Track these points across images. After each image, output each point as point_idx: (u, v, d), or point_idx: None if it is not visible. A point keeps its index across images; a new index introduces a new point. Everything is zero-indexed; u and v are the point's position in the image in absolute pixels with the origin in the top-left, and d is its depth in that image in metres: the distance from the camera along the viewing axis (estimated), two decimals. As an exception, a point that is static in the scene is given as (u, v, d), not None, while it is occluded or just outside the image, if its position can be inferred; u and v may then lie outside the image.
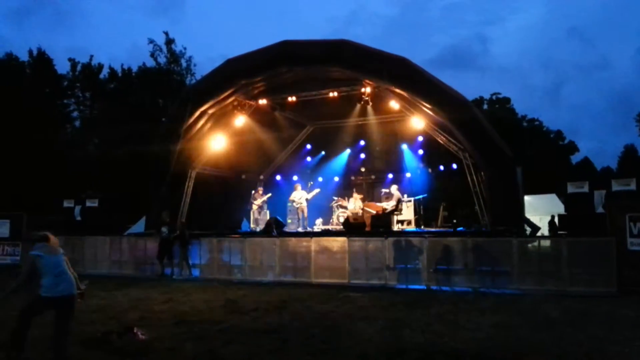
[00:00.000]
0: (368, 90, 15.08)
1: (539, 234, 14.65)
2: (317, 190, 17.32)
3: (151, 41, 39.70)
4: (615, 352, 5.71)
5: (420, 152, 19.38)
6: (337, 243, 11.99)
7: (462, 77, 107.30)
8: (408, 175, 19.46)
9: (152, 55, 39.72)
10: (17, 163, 29.56)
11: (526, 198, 16.81)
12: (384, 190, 17.43)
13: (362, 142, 20.64)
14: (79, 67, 37.67)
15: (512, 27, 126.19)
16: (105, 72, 38.52)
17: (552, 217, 17.60)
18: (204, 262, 13.34)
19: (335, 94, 15.71)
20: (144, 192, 17.93)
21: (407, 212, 16.75)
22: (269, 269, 12.45)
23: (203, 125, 16.58)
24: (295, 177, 21.12)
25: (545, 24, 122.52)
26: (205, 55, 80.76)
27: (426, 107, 14.36)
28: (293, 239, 12.84)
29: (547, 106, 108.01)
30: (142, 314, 8.16)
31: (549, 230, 17.31)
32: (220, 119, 16.87)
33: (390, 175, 19.83)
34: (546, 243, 11.45)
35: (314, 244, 12.11)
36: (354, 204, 17.31)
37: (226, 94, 15.77)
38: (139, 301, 9.41)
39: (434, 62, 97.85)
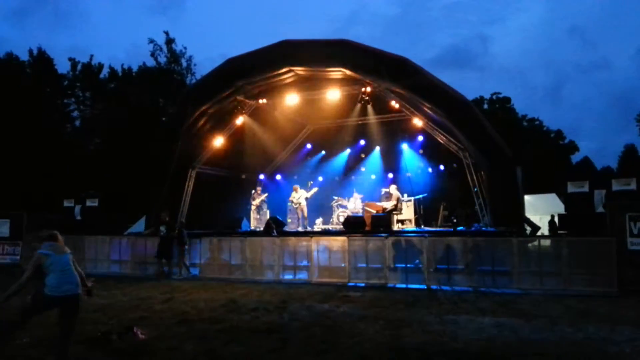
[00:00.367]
0: (368, 89, 15.08)
1: (539, 233, 14.63)
2: (315, 189, 17.32)
3: (151, 41, 39.82)
4: (616, 352, 5.71)
5: (421, 151, 19.38)
6: (337, 242, 11.99)
7: (462, 76, 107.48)
8: (408, 174, 19.45)
9: (152, 54, 39.82)
10: (17, 163, 29.58)
11: (526, 197, 16.80)
12: (384, 189, 17.43)
13: (362, 142, 20.65)
14: (79, 67, 37.73)
15: (512, 26, 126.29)
16: (105, 71, 38.60)
17: (552, 216, 17.59)
18: (204, 262, 13.34)
19: (336, 93, 15.71)
20: (144, 191, 17.94)
21: (407, 211, 16.74)
22: (269, 269, 12.45)
23: (203, 125, 16.59)
24: (295, 177, 21.13)
25: (545, 24, 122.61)
26: (206, 55, 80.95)
27: (426, 106, 14.36)
28: (293, 239, 12.84)
29: (547, 106, 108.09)
30: (142, 313, 8.16)
31: (549, 230, 17.29)
32: (221, 119, 16.88)
33: (390, 175, 19.83)
34: (546, 243, 11.43)
35: (314, 243, 12.11)
36: (354, 204, 17.31)
37: (226, 93, 15.78)
38: (139, 301, 9.41)
39: (435, 61, 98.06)
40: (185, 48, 40.85)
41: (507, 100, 47.12)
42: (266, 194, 18.48)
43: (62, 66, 37.26)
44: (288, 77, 15.73)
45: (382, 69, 13.63)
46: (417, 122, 15.94)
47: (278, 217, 16.10)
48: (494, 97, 47.25)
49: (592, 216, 12.05)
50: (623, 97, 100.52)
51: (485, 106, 45.20)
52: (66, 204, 17.46)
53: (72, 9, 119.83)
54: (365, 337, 6.47)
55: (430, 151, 18.91)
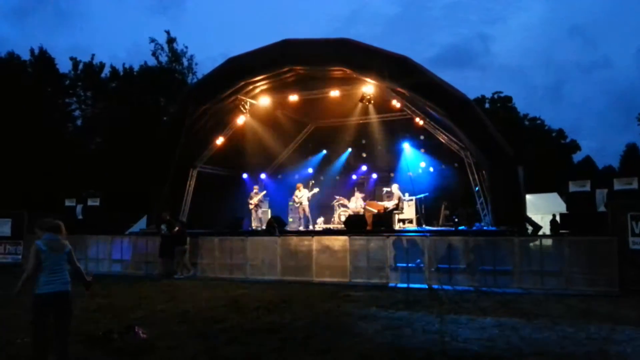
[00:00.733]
0: (369, 89, 15.07)
1: (540, 233, 14.64)
2: (317, 190, 17.32)
3: (152, 40, 39.87)
4: (617, 351, 5.69)
5: (422, 150, 19.36)
6: (339, 242, 11.98)
7: (463, 76, 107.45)
8: (409, 174, 19.43)
9: (153, 54, 39.87)
10: (19, 162, 29.61)
11: (528, 197, 16.78)
12: (385, 189, 17.42)
13: (363, 141, 20.62)
14: (80, 66, 37.76)
15: (513, 26, 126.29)
16: (106, 71, 38.65)
17: (554, 216, 17.59)
18: (205, 261, 13.35)
19: (337, 92, 15.70)
20: (146, 191, 17.95)
21: (409, 211, 16.73)
22: (270, 268, 12.45)
23: (204, 124, 16.60)
24: (296, 176, 21.13)
25: (546, 23, 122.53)
26: (207, 54, 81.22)
27: (428, 105, 14.35)
28: (294, 238, 12.83)
29: (548, 105, 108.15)
30: (144, 312, 8.16)
31: (551, 229, 17.30)
32: (222, 118, 16.89)
33: (392, 174, 19.81)
34: (548, 242, 11.42)
35: (315, 242, 12.10)
36: (355, 203, 17.29)
37: (227, 93, 15.79)
38: (140, 300, 9.42)
39: (436, 61, 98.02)
40: (186, 47, 40.94)
41: (508, 99, 47.12)
42: (264, 192, 18.46)
43: (64, 65, 37.38)
44: (289, 77, 15.73)
45: (383, 68, 13.63)
46: (419, 121, 15.93)
47: (279, 216, 16.10)
48: (495, 96, 47.25)
49: (594, 215, 12.04)
50: (624, 96, 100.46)
51: (487, 105, 45.20)
52: (67, 203, 17.49)
53: (73, 8, 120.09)
54: (366, 336, 6.47)
55: (432, 150, 18.89)
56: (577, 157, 48.54)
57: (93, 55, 38.54)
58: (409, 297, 9.54)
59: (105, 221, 16.29)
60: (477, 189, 15.23)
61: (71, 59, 37.70)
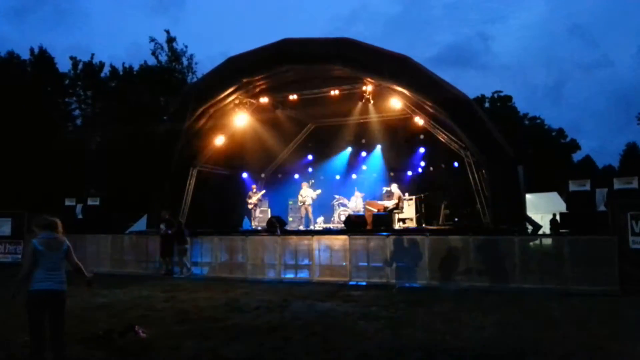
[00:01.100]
0: (369, 88, 15.06)
1: (540, 232, 14.62)
2: (319, 191, 17.33)
3: (152, 39, 39.81)
4: (617, 351, 5.70)
5: (422, 150, 19.35)
6: (339, 241, 11.98)
7: (463, 75, 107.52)
8: (409, 173, 19.43)
9: (153, 53, 39.82)
10: (19, 162, 29.60)
11: (528, 196, 16.78)
12: (385, 188, 17.41)
13: (363, 140, 20.61)
14: (80, 66, 37.75)
15: (514, 25, 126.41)
16: (106, 70, 38.64)
17: (554, 215, 17.58)
18: (205, 261, 13.34)
19: (337, 92, 15.68)
20: (146, 190, 17.95)
21: (409, 210, 16.73)
22: (271, 267, 12.45)
23: (204, 124, 16.57)
24: (296, 176, 21.13)
25: (547, 23, 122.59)
26: (206, 53, 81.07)
27: (427, 105, 14.33)
28: (294, 237, 12.84)
29: (548, 104, 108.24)
30: (144, 312, 8.16)
31: (551, 229, 17.29)
32: (222, 117, 16.86)
33: (392, 174, 19.80)
34: (548, 241, 11.43)
35: (315, 242, 12.10)
36: (355, 202, 17.30)
37: (227, 92, 15.76)
38: (140, 299, 9.42)
39: (436, 60, 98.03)
40: (186, 47, 40.89)
41: (508, 98, 47.13)
42: (263, 192, 18.45)
43: (63, 65, 37.37)
44: (289, 76, 15.70)
45: (383, 68, 13.61)
46: (419, 120, 15.92)
47: (279, 216, 16.09)
48: (496, 95, 47.28)
49: (594, 215, 12.02)
50: (625, 95, 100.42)
51: (487, 105, 45.22)
52: (67, 202, 17.47)
53: (73, 7, 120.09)
54: (366, 336, 6.47)
55: (432, 150, 18.87)
56: (577, 156, 48.63)
57: (93, 54, 38.61)
58: (409, 296, 9.55)
59: (105, 221, 16.28)
60: (477, 188, 15.22)
61: (71, 58, 37.76)
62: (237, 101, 16.34)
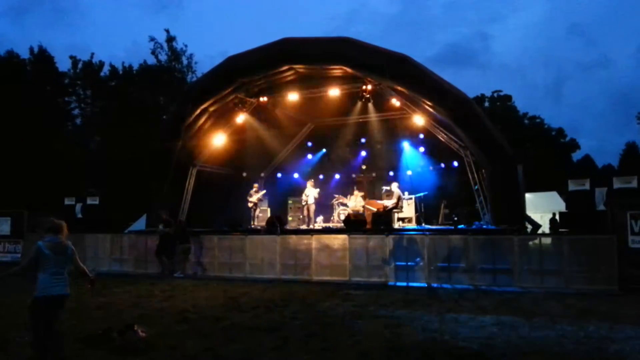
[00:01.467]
0: (369, 87, 15.05)
1: (540, 231, 14.62)
2: (317, 189, 17.31)
3: (152, 39, 39.75)
4: (616, 350, 5.70)
5: (421, 149, 19.35)
6: (338, 241, 11.98)
7: (463, 74, 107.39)
8: (409, 172, 19.43)
9: (153, 52, 39.76)
10: (18, 161, 29.59)
11: (527, 196, 16.77)
12: (384, 187, 17.40)
13: (363, 140, 20.61)
14: (79, 65, 37.70)
15: (513, 24, 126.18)
16: (106, 69, 38.58)
17: (553, 214, 17.57)
18: (204, 260, 13.33)
19: (336, 91, 15.68)
20: (145, 189, 17.94)
21: (408, 209, 16.71)
22: (270, 267, 12.44)
23: (204, 123, 16.58)
24: (296, 175, 21.12)
25: (546, 22, 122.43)
26: (206, 52, 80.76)
27: (427, 104, 14.34)
28: (294, 237, 12.82)
29: (548, 104, 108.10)
30: (143, 311, 8.16)
31: (550, 228, 17.28)
32: (221, 117, 16.87)
33: (391, 173, 19.80)
34: (547, 241, 11.43)
35: (314, 241, 12.10)
36: (355, 202, 17.27)
37: (227, 91, 15.77)
38: (139, 299, 9.41)
39: (435, 59, 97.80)
40: (185, 46, 40.82)
41: (508, 98, 47.11)
42: (264, 191, 18.45)
43: (63, 64, 37.33)
44: (288, 75, 15.71)
45: (382, 67, 13.60)
46: (418, 120, 15.92)
47: (279, 215, 16.07)
48: (495, 95, 47.25)
49: (593, 214, 12.01)
50: (624, 95, 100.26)
51: (486, 104, 45.20)
52: (67, 202, 17.46)
53: (72, 6, 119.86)
54: (365, 335, 6.47)
55: (431, 149, 18.88)
56: (577, 155, 48.57)
57: (92, 53, 38.53)
58: (408, 295, 9.55)
59: (104, 220, 16.28)
60: (476, 187, 15.22)
61: (70, 57, 37.69)
62: (236, 100, 16.34)
